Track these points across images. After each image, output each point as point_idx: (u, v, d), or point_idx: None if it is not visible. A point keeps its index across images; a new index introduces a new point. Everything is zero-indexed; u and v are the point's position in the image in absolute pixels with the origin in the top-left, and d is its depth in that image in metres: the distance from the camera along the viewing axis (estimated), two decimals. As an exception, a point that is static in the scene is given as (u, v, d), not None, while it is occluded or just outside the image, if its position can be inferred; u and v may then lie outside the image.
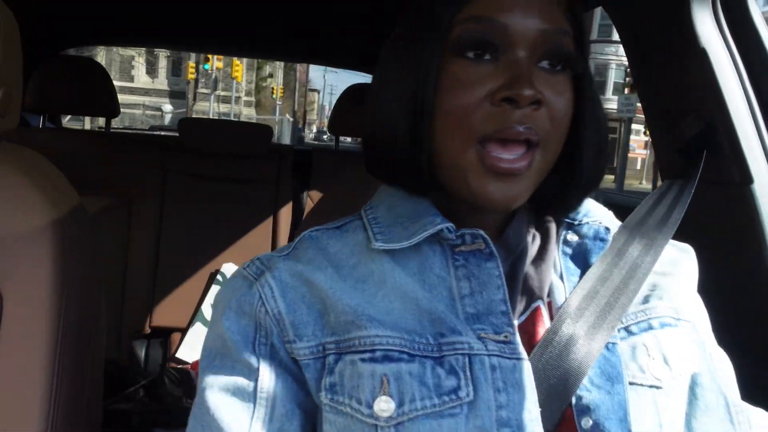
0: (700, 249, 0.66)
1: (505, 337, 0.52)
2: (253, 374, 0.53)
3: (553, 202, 0.60)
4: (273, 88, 31.61)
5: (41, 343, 0.63)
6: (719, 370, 0.59)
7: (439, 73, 0.53)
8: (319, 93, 48.26)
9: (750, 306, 0.86)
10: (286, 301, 0.55)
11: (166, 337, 1.86)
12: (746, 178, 0.83)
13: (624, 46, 1.01)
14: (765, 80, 0.86)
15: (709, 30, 0.86)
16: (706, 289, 0.65)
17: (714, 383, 0.58)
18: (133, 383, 1.61)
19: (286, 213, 1.98)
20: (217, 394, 0.53)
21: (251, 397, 0.53)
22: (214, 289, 1.86)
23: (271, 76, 33.07)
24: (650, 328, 0.57)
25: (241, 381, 0.53)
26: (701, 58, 0.85)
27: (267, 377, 0.53)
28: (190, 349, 1.78)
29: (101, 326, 0.76)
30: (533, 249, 0.59)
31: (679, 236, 0.66)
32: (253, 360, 0.54)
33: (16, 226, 0.64)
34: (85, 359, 0.70)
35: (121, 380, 1.62)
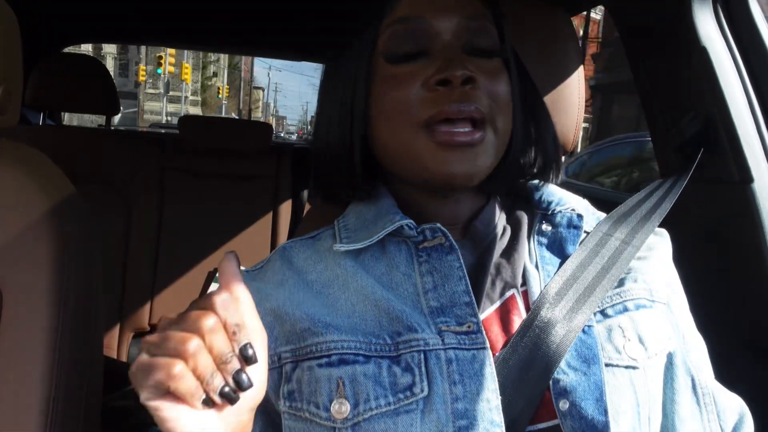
0: (700, 248, 0.66)
1: (468, 327, 0.53)
2: None
3: (486, 182, 0.60)
4: (219, 87, 31.89)
5: (40, 340, 0.63)
6: (690, 352, 0.59)
7: (375, 77, 0.57)
8: (263, 90, 47.94)
9: (750, 304, 0.86)
10: None
11: None
12: (746, 177, 0.82)
13: (624, 44, 1.01)
14: (765, 79, 0.86)
15: (709, 28, 0.86)
16: (706, 287, 0.65)
17: (684, 364, 0.58)
18: (133, 381, 1.61)
19: (285, 210, 1.98)
20: None
21: None
22: (213, 287, 1.86)
23: (215, 75, 33.30)
24: (625, 310, 0.57)
25: None
26: (702, 56, 0.85)
27: None
28: (189, 346, 1.78)
29: (100, 323, 0.76)
30: (504, 240, 0.60)
31: (679, 234, 0.66)
32: None
33: (15, 225, 0.64)
34: (84, 356, 0.70)
35: (121, 377, 1.61)
